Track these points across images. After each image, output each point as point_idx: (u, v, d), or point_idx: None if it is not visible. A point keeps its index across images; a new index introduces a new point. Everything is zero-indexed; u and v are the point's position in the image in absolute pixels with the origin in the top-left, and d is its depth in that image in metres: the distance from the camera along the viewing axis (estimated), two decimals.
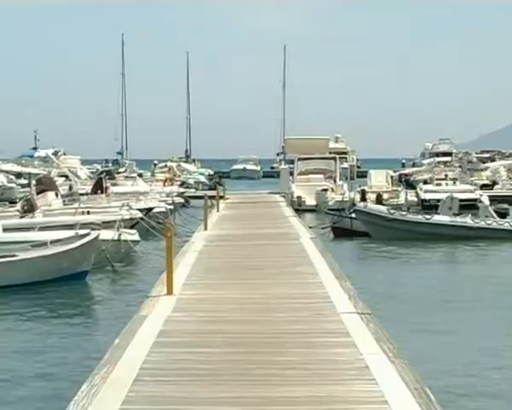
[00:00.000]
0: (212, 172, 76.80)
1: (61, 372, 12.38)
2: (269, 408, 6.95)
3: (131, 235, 22.72)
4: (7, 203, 31.30)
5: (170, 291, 12.72)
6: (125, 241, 22.23)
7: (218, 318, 11.13)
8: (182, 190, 46.93)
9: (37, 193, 28.17)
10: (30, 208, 25.43)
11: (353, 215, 31.72)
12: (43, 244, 19.59)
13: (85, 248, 19.46)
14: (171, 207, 35.56)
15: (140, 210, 27.53)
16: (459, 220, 30.09)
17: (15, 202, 32.42)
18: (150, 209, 29.47)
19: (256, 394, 7.36)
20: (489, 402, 10.95)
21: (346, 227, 31.61)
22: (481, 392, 11.31)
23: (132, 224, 25.06)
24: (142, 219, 26.16)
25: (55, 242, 19.60)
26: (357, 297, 12.41)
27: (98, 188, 37.24)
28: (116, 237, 21.95)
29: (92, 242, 19.63)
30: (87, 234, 19.78)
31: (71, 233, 20.55)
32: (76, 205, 28.97)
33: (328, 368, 8.27)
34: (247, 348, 9.27)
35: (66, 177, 46.45)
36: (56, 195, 29.64)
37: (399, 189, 42.27)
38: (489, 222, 29.98)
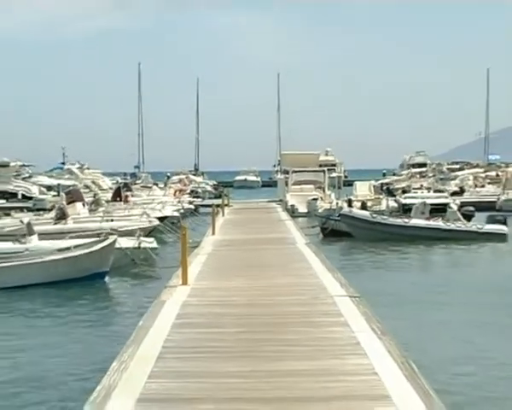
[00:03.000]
0: (215, 183, 76.51)
1: (87, 350, 12.46)
2: (275, 380, 6.96)
3: (150, 243, 22.71)
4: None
5: (185, 282, 12.75)
6: (145, 248, 22.22)
7: (228, 302, 11.21)
8: (191, 199, 47.03)
9: (67, 203, 28.14)
10: (62, 216, 25.41)
11: (338, 218, 31.94)
12: (67, 248, 19.50)
13: (104, 251, 19.37)
14: (182, 211, 35.73)
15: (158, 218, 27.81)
16: (433, 224, 30.18)
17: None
18: (165, 218, 29.52)
19: (264, 368, 7.41)
20: None
21: (333, 228, 31.75)
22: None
23: (150, 230, 25.13)
24: (158, 225, 26.25)
25: (77, 246, 19.54)
26: (348, 284, 12.44)
27: (117, 196, 37.42)
28: (137, 245, 21.94)
29: (110, 245, 19.51)
30: (105, 238, 19.70)
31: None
32: (101, 211, 29.17)
33: (325, 344, 8.32)
34: (253, 327, 9.33)
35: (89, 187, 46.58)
36: (83, 205, 29.66)
37: (381, 196, 42.20)
38: (458, 225, 30.05)
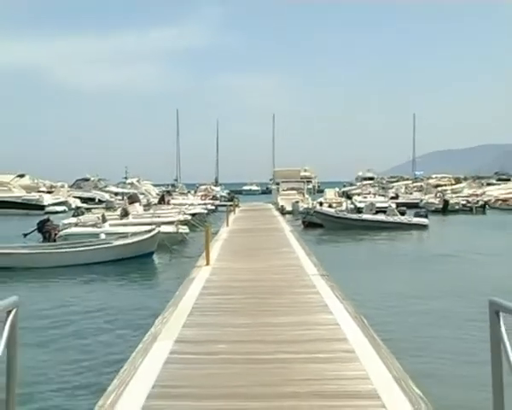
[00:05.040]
0: (228, 191, 76.00)
1: (142, 306, 12.42)
2: (270, 328, 7.00)
3: (184, 229, 22.90)
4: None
5: (208, 263, 12.71)
6: (180, 233, 22.34)
7: (237, 278, 11.15)
8: (212, 201, 47.08)
9: (129, 203, 28.38)
10: (125, 214, 25.55)
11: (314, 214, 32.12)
12: (126, 237, 19.60)
13: (151, 239, 19.46)
14: (207, 211, 35.81)
15: (191, 215, 27.99)
16: (377, 218, 30.34)
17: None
18: (195, 214, 29.57)
19: (261, 321, 7.45)
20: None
21: (310, 220, 31.86)
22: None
23: (185, 222, 25.17)
24: (190, 219, 26.31)
25: (134, 235, 19.63)
26: (320, 265, 12.43)
27: (162, 200, 37.46)
28: (175, 230, 22.08)
29: (155, 235, 19.58)
30: (152, 229, 19.75)
31: (147, 227, 20.72)
32: (151, 210, 29.31)
33: (304, 306, 8.34)
34: (255, 294, 9.30)
35: (144, 194, 46.60)
36: (140, 205, 29.85)
37: (342, 200, 42.29)
38: (395, 218, 30.23)
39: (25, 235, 22.34)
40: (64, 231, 21.63)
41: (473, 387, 7.03)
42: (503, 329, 2.35)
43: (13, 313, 2.34)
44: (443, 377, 7.71)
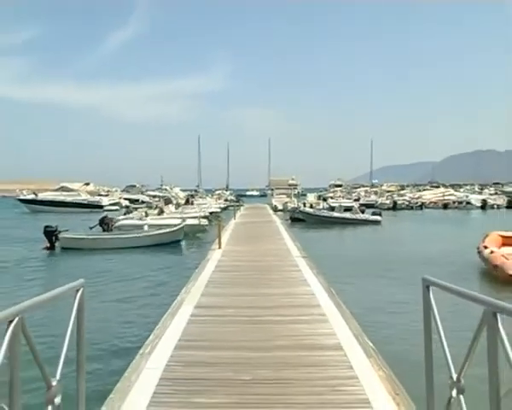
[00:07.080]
0: (235, 195, 75.45)
1: (171, 281, 12.06)
2: (266, 297, 6.88)
3: (204, 222, 22.89)
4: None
5: (220, 247, 12.62)
6: (202, 224, 22.32)
7: (242, 259, 11.01)
8: (224, 202, 46.95)
9: (165, 205, 28.58)
10: (161, 212, 25.58)
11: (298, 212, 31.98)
12: (160, 228, 19.61)
13: (179, 230, 19.44)
14: (220, 209, 35.73)
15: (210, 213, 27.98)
16: (344, 215, 30.09)
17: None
18: (212, 212, 29.52)
19: (259, 291, 7.33)
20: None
21: (296, 217, 31.61)
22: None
23: (205, 217, 25.15)
24: (207, 216, 26.29)
25: (166, 227, 19.63)
26: (302, 249, 12.32)
27: (187, 201, 37.36)
28: (197, 223, 22.11)
29: (182, 227, 19.56)
30: (180, 223, 19.74)
31: (178, 221, 20.79)
32: (180, 209, 29.34)
33: (290, 280, 8.23)
34: (255, 271, 9.20)
35: (174, 197, 46.47)
36: (172, 205, 30.00)
37: (320, 201, 42.24)
38: (357, 216, 29.97)
39: (90, 228, 22.33)
40: (118, 222, 21.74)
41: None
42: (432, 301, 2.30)
43: (80, 291, 2.25)
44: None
